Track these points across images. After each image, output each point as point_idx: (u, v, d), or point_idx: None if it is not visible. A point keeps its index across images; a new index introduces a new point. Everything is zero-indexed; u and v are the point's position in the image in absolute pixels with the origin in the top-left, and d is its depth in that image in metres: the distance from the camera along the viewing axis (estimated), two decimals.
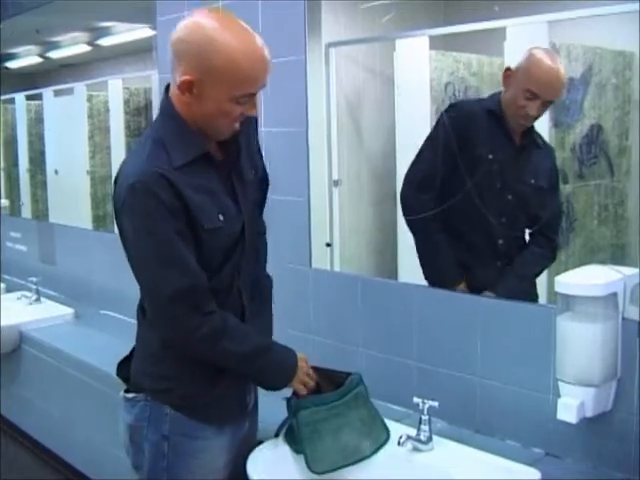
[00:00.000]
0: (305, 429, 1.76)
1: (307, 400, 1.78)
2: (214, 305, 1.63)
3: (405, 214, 2.35)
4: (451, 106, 2.32)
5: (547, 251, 2.19)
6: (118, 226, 1.66)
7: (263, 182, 1.87)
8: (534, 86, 2.10)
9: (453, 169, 2.23)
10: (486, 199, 2.19)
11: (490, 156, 2.19)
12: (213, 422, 1.72)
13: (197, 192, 1.59)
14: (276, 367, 1.75)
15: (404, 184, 2.34)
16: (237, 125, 1.64)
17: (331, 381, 1.85)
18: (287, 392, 1.81)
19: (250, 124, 1.76)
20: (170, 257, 1.57)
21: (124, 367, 1.81)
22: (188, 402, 1.70)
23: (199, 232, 1.59)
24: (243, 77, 1.54)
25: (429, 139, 2.30)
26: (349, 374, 1.86)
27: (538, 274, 2.16)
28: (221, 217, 1.64)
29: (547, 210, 2.20)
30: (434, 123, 2.32)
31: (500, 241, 2.20)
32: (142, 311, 1.75)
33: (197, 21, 1.54)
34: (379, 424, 1.87)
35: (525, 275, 2.17)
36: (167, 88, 1.66)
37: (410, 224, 2.34)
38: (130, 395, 1.75)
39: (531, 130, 2.17)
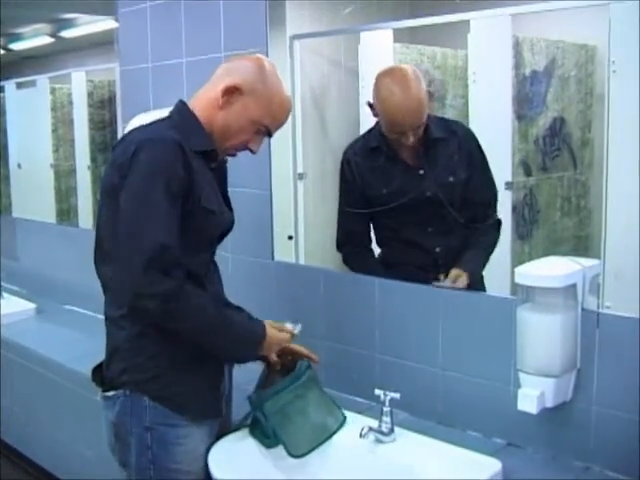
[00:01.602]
0: (274, 418, 1.80)
1: (267, 392, 1.82)
2: (182, 275, 1.63)
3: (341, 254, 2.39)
4: (345, 151, 2.33)
5: (489, 236, 2.19)
6: (116, 182, 1.64)
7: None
8: (391, 125, 2.13)
9: (364, 207, 2.27)
10: (403, 224, 2.23)
11: (384, 190, 2.21)
12: (189, 413, 1.74)
13: (202, 177, 1.70)
14: (242, 329, 1.76)
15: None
16: (235, 153, 1.84)
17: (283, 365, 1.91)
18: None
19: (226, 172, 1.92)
20: (158, 213, 1.59)
21: (97, 372, 1.83)
22: (166, 392, 1.72)
23: (195, 209, 1.66)
24: (273, 113, 1.77)
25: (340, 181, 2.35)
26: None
27: (486, 262, 2.17)
28: (216, 207, 1.75)
29: (478, 195, 2.18)
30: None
31: (437, 249, 2.20)
32: (112, 308, 1.76)
33: (259, 58, 1.81)
34: (333, 404, 1.93)
35: (475, 266, 2.16)
36: (180, 101, 1.82)
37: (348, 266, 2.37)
38: (110, 393, 1.76)
39: (427, 133, 2.14)
